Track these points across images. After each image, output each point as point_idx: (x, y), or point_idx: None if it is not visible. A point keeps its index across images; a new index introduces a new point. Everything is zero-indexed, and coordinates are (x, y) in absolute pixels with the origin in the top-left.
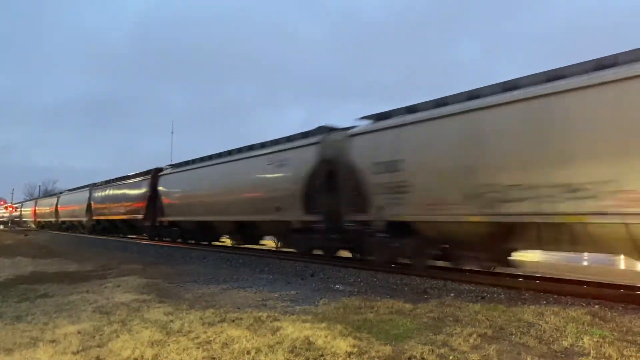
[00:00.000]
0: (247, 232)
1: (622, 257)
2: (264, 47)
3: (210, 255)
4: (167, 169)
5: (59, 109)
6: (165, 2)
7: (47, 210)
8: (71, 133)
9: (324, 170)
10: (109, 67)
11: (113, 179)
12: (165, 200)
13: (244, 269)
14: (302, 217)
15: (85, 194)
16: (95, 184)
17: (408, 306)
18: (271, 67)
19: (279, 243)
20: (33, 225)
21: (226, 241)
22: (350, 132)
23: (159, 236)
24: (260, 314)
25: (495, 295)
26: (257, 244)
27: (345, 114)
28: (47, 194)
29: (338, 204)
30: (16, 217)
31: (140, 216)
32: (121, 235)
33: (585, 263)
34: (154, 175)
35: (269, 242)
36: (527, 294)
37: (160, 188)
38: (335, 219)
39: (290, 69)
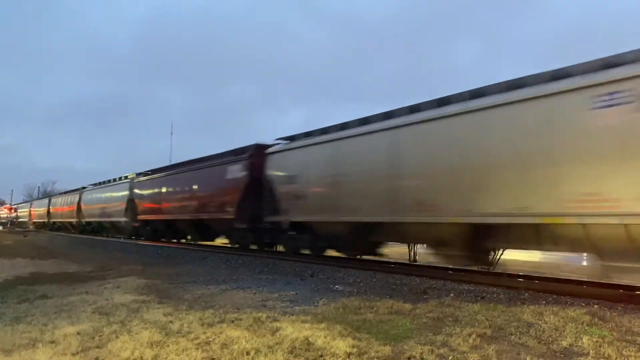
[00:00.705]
0: (487, 243)
1: None
2: (264, 48)
3: (209, 256)
4: (279, 143)
5: (59, 110)
6: (166, 4)
7: (66, 210)
8: (71, 134)
9: None
10: (109, 69)
11: (173, 165)
12: (282, 190)
13: (243, 270)
14: None
15: (122, 189)
16: (140, 173)
17: (407, 306)
18: (271, 69)
19: None
20: (39, 228)
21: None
22: None
23: (261, 245)
24: (259, 314)
25: (494, 295)
26: (488, 267)
27: (346, 115)
28: (59, 191)
29: None
30: (20, 218)
31: (228, 215)
32: (175, 240)
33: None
34: (255, 154)
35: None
36: (526, 294)
37: (270, 172)
38: None
39: (290, 70)
